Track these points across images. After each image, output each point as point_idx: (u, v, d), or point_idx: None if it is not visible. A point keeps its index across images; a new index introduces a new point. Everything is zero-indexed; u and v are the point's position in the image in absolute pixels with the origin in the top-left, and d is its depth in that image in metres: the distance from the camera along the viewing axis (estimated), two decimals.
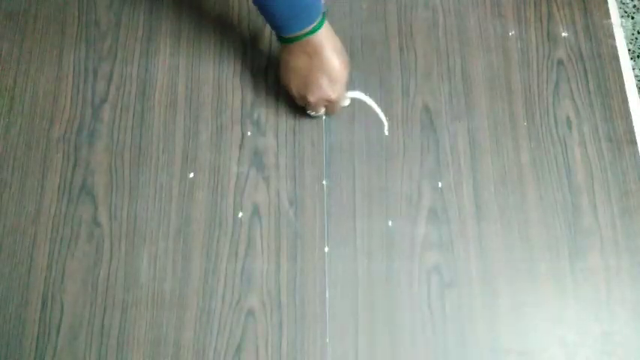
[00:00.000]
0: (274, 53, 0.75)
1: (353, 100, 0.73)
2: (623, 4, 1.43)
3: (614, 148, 0.73)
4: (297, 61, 0.64)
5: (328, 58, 0.63)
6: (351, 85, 0.74)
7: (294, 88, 0.66)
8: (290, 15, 0.60)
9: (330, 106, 0.67)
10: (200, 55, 0.74)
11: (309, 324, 0.64)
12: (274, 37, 0.76)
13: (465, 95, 0.74)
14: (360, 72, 0.75)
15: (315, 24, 0.61)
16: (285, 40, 0.63)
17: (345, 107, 0.72)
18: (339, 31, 0.76)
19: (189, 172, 0.69)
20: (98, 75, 0.73)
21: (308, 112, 0.69)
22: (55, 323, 0.63)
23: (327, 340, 0.63)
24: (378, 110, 0.73)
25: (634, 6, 1.43)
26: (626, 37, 1.38)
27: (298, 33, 0.61)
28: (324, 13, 0.62)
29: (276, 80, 0.73)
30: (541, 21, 0.79)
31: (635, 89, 0.77)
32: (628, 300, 0.66)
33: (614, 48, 0.78)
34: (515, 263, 0.67)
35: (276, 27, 0.62)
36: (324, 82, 0.64)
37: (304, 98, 0.66)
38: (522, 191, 0.70)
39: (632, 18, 1.42)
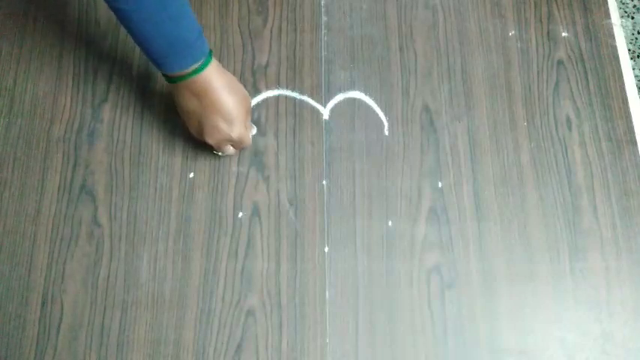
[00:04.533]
0: (274, 52, 0.75)
1: (353, 99, 0.73)
2: (623, 4, 1.43)
3: (614, 148, 0.73)
4: (188, 104, 0.60)
5: (219, 98, 0.59)
6: (351, 85, 0.74)
7: (193, 131, 0.63)
8: (168, 52, 0.56)
9: (236, 144, 0.64)
10: None
11: (309, 324, 0.64)
12: (275, 36, 0.76)
13: (465, 95, 0.74)
14: (360, 72, 0.75)
15: (198, 64, 0.57)
16: (170, 80, 0.60)
17: (345, 108, 0.72)
18: (339, 31, 0.76)
19: (189, 172, 0.69)
20: (98, 75, 0.73)
21: (214, 152, 0.66)
22: (55, 323, 0.63)
23: (327, 340, 0.63)
24: (378, 110, 0.73)
25: (634, 6, 1.43)
26: (626, 37, 1.38)
27: (180, 73, 0.57)
28: (210, 52, 0.59)
29: (276, 80, 0.73)
30: (541, 21, 0.79)
31: (635, 89, 0.77)
32: (628, 300, 0.66)
33: (614, 48, 0.78)
34: (515, 263, 0.67)
35: (157, 64, 0.58)
36: (220, 124, 0.60)
37: (205, 141, 0.63)
38: (522, 191, 0.70)
39: (632, 18, 1.42)
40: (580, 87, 0.76)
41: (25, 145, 0.70)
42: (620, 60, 0.78)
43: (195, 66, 0.57)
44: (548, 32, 0.79)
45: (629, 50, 1.38)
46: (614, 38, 0.79)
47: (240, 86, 0.63)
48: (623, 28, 1.24)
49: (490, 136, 0.73)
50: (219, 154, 0.66)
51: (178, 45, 0.56)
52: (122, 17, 0.54)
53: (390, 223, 0.68)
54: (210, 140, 0.62)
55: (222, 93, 0.60)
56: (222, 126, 0.61)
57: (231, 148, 0.65)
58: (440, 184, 0.70)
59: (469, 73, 0.76)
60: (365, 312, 0.64)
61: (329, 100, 0.73)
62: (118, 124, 0.71)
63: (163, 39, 0.55)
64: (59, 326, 0.62)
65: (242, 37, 0.76)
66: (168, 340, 0.62)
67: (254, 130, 0.70)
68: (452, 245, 0.67)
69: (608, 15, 0.80)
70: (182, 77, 0.58)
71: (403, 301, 0.65)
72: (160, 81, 0.73)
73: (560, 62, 0.77)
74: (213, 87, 0.59)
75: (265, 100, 0.73)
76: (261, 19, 0.77)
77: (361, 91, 0.74)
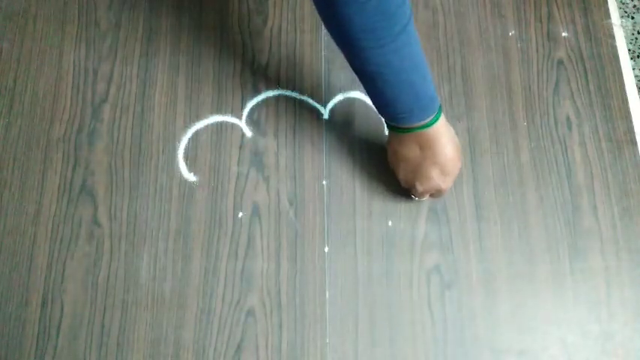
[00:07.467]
0: (274, 52, 0.75)
1: (353, 99, 0.73)
2: (623, 4, 1.43)
3: (614, 148, 0.73)
4: (407, 152, 0.61)
5: (442, 151, 0.59)
6: (351, 85, 0.74)
7: (402, 176, 0.64)
8: (412, 107, 0.56)
9: (437, 194, 0.65)
10: (200, 55, 0.74)
11: (309, 324, 0.64)
12: (275, 36, 0.76)
13: (465, 95, 0.74)
14: None
15: (433, 116, 0.57)
16: (398, 130, 0.60)
17: (345, 108, 0.72)
18: None
19: (190, 172, 0.69)
20: (98, 75, 0.73)
21: (412, 195, 0.67)
22: (55, 323, 0.63)
23: (327, 340, 0.63)
24: None
25: (634, 6, 1.43)
26: (626, 37, 1.38)
27: (414, 125, 0.58)
28: (440, 105, 0.59)
29: (276, 80, 0.73)
30: (541, 21, 0.79)
31: (635, 89, 0.77)
32: (628, 300, 0.66)
33: (614, 48, 0.78)
34: (515, 263, 0.67)
35: (393, 118, 0.58)
36: (435, 174, 0.61)
37: (413, 187, 0.64)
38: (522, 191, 0.70)
39: (632, 18, 1.42)
40: (580, 87, 0.76)
41: (25, 145, 0.70)
42: (620, 60, 0.78)
43: (430, 118, 0.57)
44: (548, 32, 0.79)
45: (629, 50, 1.38)
46: (614, 38, 0.79)
47: (458, 141, 0.63)
48: (623, 28, 1.24)
49: (490, 136, 0.73)
50: (416, 199, 0.68)
51: (423, 99, 0.56)
52: (375, 79, 0.54)
53: (390, 223, 0.68)
54: (420, 188, 0.63)
55: (446, 146, 0.60)
56: (437, 177, 0.61)
57: (428, 195, 0.66)
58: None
59: (469, 73, 0.76)
60: (365, 312, 0.64)
61: (329, 100, 0.73)
62: (118, 124, 0.71)
63: (412, 94, 0.55)
64: (59, 326, 0.62)
65: (242, 37, 0.76)
66: (168, 340, 0.62)
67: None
68: (452, 245, 0.67)
69: (608, 15, 0.80)
70: (414, 129, 0.58)
71: (403, 301, 0.65)
72: (160, 81, 0.73)
73: (560, 62, 0.77)
74: (440, 140, 0.59)
75: (265, 100, 0.73)
76: (261, 19, 0.77)
77: (361, 91, 0.73)
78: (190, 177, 0.69)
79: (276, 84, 0.73)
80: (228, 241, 0.66)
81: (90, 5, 0.77)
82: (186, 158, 0.70)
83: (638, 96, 0.76)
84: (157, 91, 0.72)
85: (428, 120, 0.57)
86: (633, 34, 1.40)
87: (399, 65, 0.53)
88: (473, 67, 0.76)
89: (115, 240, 0.66)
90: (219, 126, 0.71)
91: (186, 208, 0.67)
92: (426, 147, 0.60)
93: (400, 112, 0.57)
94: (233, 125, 0.71)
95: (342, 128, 0.72)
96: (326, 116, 0.72)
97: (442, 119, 0.59)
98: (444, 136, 0.59)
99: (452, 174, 0.62)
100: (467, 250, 0.67)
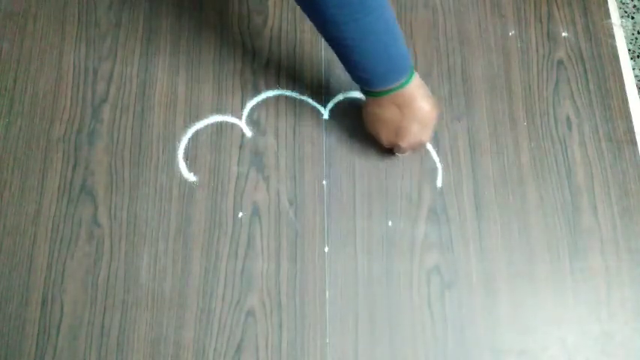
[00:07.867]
0: (274, 52, 0.75)
1: (353, 99, 0.73)
2: (623, 4, 1.43)
3: (614, 148, 0.73)
4: (385, 113, 0.62)
5: (419, 106, 0.61)
6: (351, 85, 0.74)
7: (385, 137, 0.65)
8: (387, 71, 0.58)
9: (419, 146, 0.67)
10: (200, 55, 0.74)
11: (309, 324, 0.64)
12: (275, 36, 0.76)
13: (465, 95, 0.74)
14: None
15: (407, 75, 0.59)
16: (374, 94, 0.61)
17: (345, 108, 0.72)
18: None
19: (190, 172, 0.69)
20: (98, 75, 0.73)
21: (396, 153, 0.69)
22: (55, 323, 0.63)
23: (327, 340, 0.63)
24: None
25: (634, 6, 1.43)
26: (626, 37, 1.38)
27: (390, 87, 0.59)
28: (412, 64, 0.60)
29: (276, 80, 0.73)
30: (541, 21, 0.79)
31: (635, 89, 0.77)
32: (628, 300, 0.66)
33: (614, 48, 0.78)
34: (515, 263, 0.67)
35: (369, 83, 0.60)
36: (416, 129, 0.63)
37: (396, 145, 0.65)
38: (522, 191, 0.70)
39: (632, 18, 1.42)
40: (580, 87, 0.76)
41: (25, 145, 0.70)
42: (620, 60, 0.78)
43: (405, 78, 0.59)
44: (548, 32, 0.79)
45: (629, 50, 1.38)
46: (614, 38, 0.79)
47: (431, 94, 0.64)
48: (623, 28, 1.24)
49: (490, 136, 0.73)
50: (400, 155, 0.69)
51: (398, 61, 0.58)
52: (352, 51, 0.56)
53: (390, 223, 0.68)
54: (404, 144, 0.64)
55: (423, 101, 0.61)
56: (418, 131, 0.63)
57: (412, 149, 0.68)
58: (440, 184, 0.70)
59: (469, 73, 0.76)
60: (365, 312, 0.64)
61: (329, 100, 0.73)
62: (118, 124, 0.71)
63: (387, 59, 0.57)
64: (59, 326, 0.62)
65: (242, 37, 0.76)
66: (168, 340, 0.62)
67: None
68: (452, 245, 0.67)
69: (608, 15, 0.80)
70: (390, 90, 0.60)
71: (403, 301, 0.65)
72: (160, 81, 0.73)
73: (560, 62, 0.77)
74: (417, 97, 0.61)
75: (265, 100, 0.73)
76: (261, 19, 0.77)
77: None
78: (190, 177, 0.69)
79: (276, 84, 0.73)
80: (228, 241, 0.66)
81: (90, 5, 0.77)
82: (186, 158, 0.70)
83: (638, 96, 0.76)
84: (156, 91, 0.72)
85: (403, 80, 0.59)
86: (633, 34, 1.40)
87: (375, 36, 0.54)
88: (473, 67, 0.76)
89: (115, 240, 0.66)
90: (219, 126, 0.71)
91: (186, 208, 0.67)
92: (404, 105, 0.61)
93: (376, 78, 0.59)
94: (233, 125, 0.71)
95: (342, 128, 0.72)
96: (326, 116, 0.72)
97: (416, 76, 0.61)
98: (420, 93, 0.61)
99: (430, 125, 0.64)
100: (467, 250, 0.67)
